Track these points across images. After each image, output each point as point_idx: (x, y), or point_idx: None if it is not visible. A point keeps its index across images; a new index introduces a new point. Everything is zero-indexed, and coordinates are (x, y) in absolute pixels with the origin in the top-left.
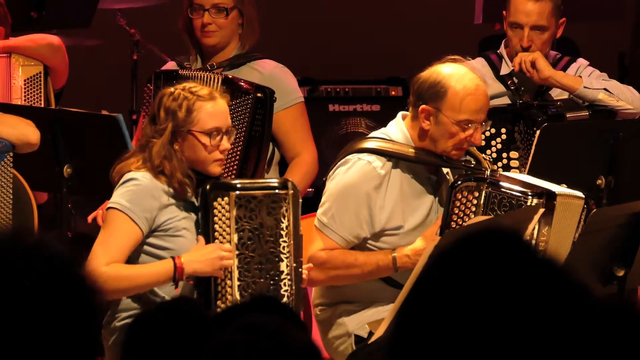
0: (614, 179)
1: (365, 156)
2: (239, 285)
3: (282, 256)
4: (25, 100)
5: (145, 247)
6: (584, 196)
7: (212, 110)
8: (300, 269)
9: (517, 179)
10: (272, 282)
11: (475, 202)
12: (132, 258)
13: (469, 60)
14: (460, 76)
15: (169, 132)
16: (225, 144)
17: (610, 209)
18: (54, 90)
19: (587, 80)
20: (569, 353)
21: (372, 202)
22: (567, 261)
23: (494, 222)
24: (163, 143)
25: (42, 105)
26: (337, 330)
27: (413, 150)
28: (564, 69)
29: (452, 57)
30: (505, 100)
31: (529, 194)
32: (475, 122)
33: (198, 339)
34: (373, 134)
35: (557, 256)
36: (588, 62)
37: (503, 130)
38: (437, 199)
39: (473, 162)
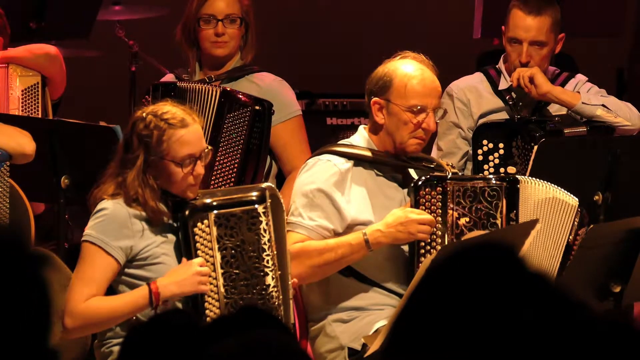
0: (611, 195)
1: (325, 156)
2: (226, 304)
3: (267, 270)
4: (22, 110)
5: (124, 278)
6: (575, 198)
7: (185, 137)
8: (286, 275)
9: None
10: (259, 296)
11: (439, 197)
12: (111, 289)
13: (420, 55)
14: (404, 65)
15: (142, 161)
16: (199, 169)
17: (607, 225)
18: (52, 100)
19: (586, 96)
20: None
21: (335, 195)
22: (563, 276)
23: (489, 237)
24: (137, 173)
25: (40, 116)
26: (330, 344)
27: (373, 153)
28: (563, 84)
29: (402, 52)
30: (503, 115)
31: (493, 178)
32: (425, 107)
33: (192, 352)
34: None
35: (538, 260)
36: (587, 78)
37: (501, 145)
38: (406, 198)
39: (434, 163)
